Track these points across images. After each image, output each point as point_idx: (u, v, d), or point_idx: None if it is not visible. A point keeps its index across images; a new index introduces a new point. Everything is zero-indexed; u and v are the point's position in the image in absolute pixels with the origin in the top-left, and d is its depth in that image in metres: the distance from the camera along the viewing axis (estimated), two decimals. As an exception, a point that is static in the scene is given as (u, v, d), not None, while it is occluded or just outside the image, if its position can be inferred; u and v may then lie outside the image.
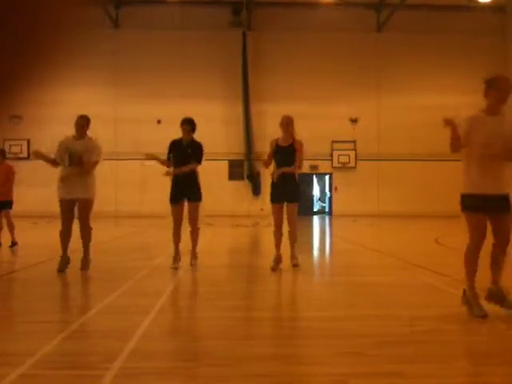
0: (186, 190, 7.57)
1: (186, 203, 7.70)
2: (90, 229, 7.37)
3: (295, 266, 7.57)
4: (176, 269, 7.51)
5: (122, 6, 27.30)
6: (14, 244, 10.50)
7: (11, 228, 10.59)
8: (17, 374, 3.13)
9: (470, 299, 4.72)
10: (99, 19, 25.25)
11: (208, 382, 3.14)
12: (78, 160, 7.15)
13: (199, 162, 7.68)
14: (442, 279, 6.76)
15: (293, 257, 7.66)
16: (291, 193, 7.51)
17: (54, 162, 7.45)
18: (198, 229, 7.77)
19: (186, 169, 7.56)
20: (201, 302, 5.76)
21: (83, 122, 7.40)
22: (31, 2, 0.56)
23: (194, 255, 7.81)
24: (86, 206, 7.25)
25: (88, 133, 7.52)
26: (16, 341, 4.10)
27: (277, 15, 27.29)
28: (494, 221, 4.72)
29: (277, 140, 7.68)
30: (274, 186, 7.61)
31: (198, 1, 26.91)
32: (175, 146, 7.70)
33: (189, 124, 7.70)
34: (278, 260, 7.54)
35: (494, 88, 4.70)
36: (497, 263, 4.78)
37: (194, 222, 7.68)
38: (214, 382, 3.13)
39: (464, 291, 4.81)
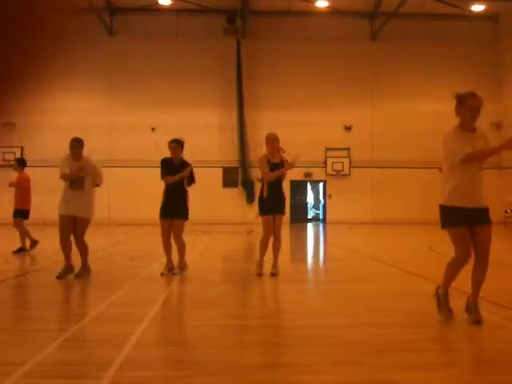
0: (174, 208, 7.86)
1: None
2: (86, 245, 7.64)
3: (273, 274, 7.73)
4: (162, 275, 7.66)
5: (116, 14, 27.33)
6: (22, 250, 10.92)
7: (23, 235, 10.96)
8: (8, 384, 3.08)
9: (440, 298, 4.93)
10: (94, 27, 25.26)
11: (202, 391, 3.11)
12: (79, 183, 7.45)
13: (193, 182, 8.01)
14: (435, 287, 6.74)
15: (274, 266, 7.87)
16: (280, 206, 7.92)
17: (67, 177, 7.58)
18: (183, 243, 7.98)
19: (180, 175, 7.84)
20: (194, 310, 5.73)
21: (76, 145, 7.60)
22: (27, 11, 0.56)
23: (182, 267, 7.95)
24: (84, 224, 7.55)
25: (83, 152, 7.72)
26: (7, 350, 4.06)
27: (271, 23, 27.39)
28: (474, 234, 4.78)
29: (266, 157, 7.93)
30: (263, 199, 7.92)
31: (193, 9, 26.96)
32: (167, 164, 7.91)
33: (177, 142, 7.94)
34: (261, 265, 7.85)
35: (466, 105, 4.76)
36: (478, 282, 4.80)
37: (178, 238, 7.93)
38: (208, 391, 3.10)
39: (437, 288, 5.02)
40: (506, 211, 24.78)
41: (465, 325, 4.67)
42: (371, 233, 20.30)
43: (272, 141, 7.85)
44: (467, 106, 4.74)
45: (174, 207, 7.84)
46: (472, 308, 4.74)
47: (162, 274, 7.70)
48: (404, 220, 26.21)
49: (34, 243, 11.08)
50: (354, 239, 17.43)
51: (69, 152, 7.67)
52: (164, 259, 8.10)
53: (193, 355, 3.86)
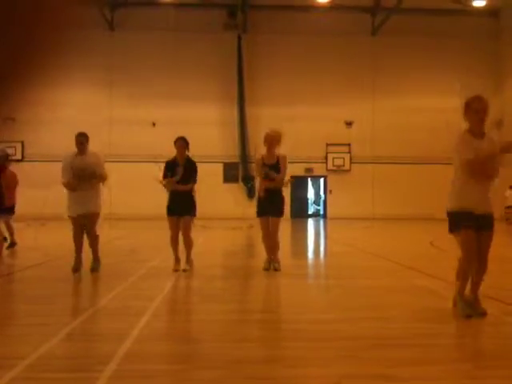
0: (182, 205, 7.84)
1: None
2: (97, 236, 7.77)
3: (277, 269, 7.83)
4: (177, 271, 7.66)
5: (117, 8, 27.28)
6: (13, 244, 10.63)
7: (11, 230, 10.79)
8: (9, 378, 3.11)
9: (459, 304, 4.87)
10: (95, 21, 25.21)
11: (202, 385, 3.13)
12: (85, 177, 7.45)
13: (195, 181, 7.99)
14: (436, 282, 6.77)
15: (275, 261, 7.95)
16: (277, 208, 7.87)
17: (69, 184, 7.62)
18: (191, 240, 8.00)
19: (183, 188, 7.83)
20: (195, 305, 5.75)
21: (82, 139, 7.60)
22: (29, 4, 0.56)
23: (188, 262, 7.96)
24: (94, 218, 7.68)
25: (89, 148, 7.74)
26: (9, 344, 4.08)
27: (272, 18, 27.33)
28: (478, 238, 4.83)
29: (262, 157, 7.87)
30: (260, 200, 7.93)
31: (194, 3, 26.91)
32: (171, 166, 7.90)
33: (184, 140, 7.93)
34: (270, 261, 7.94)
35: (472, 109, 4.80)
36: (477, 281, 4.86)
37: (186, 234, 7.93)
38: (208, 385, 3.12)
39: (454, 298, 4.97)
40: (507, 207, 24.74)
41: (465, 320, 4.69)
42: (371, 228, 20.32)
43: (270, 142, 7.75)
44: (473, 109, 4.79)
45: (182, 204, 7.83)
46: (472, 303, 4.80)
47: (177, 270, 7.70)
48: (405, 215, 26.23)
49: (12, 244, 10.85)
50: (355, 234, 17.44)
51: (72, 150, 7.67)
52: (167, 254, 8.09)
53: (193, 349, 3.88)
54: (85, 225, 7.62)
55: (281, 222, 8.00)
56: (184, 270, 7.73)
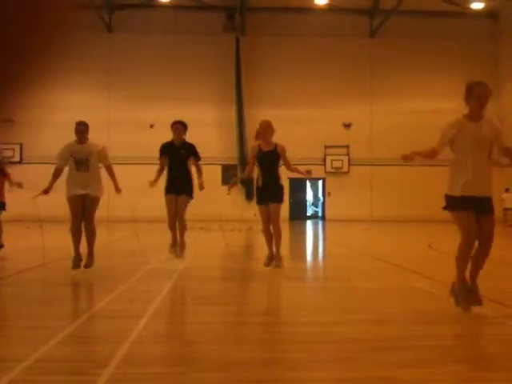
0: (179, 184, 7.94)
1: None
2: (95, 228, 7.68)
3: (277, 266, 7.68)
4: (174, 253, 7.71)
5: (115, 11, 27.29)
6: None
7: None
8: (7, 380, 3.09)
9: (457, 291, 4.89)
10: (93, 23, 25.21)
11: (200, 388, 3.12)
12: (85, 165, 7.47)
13: (199, 158, 8.08)
14: (435, 284, 6.76)
15: (277, 258, 7.79)
16: (275, 194, 7.76)
17: (58, 172, 7.71)
18: (185, 222, 7.97)
19: (202, 184, 8.09)
20: (193, 307, 5.74)
21: (82, 128, 7.62)
22: (28, 5, 0.56)
23: (181, 244, 7.96)
24: (94, 202, 7.56)
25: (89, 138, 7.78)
26: (7, 346, 4.07)
27: (270, 20, 27.37)
28: (479, 222, 4.82)
29: (259, 145, 7.79)
30: (259, 188, 7.87)
31: (192, 5, 26.93)
32: (168, 148, 7.91)
33: (181, 123, 7.93)
34: (270, 257, 7.80)
35: (473, 94, 4.83)
36: (477, 264, 4.86)
37: (181, 216, 7.90)
38: (207, 388, 3.11)
39: (453, 283, 4.96)
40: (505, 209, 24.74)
41: (464, 322, 4.68)
42: (370, 230, 20.32)
43: (264, 130, 7.73)
44: (475, 94, 4.81)
45: (180, 184, 7.87)
46: (471, 290, 4.81)
47: (175, 254, 7.80)
48: (403, 217, 26.23)
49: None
50: (353, 236, 17.44)
51: (71, 140, 7.68)
52: (166, 256, 8.10)
53: (192, 352, 3.87)
54: (83, 211, 7.49)
55: (280, 208, 7.85)
56: (175, 252, 7.79)
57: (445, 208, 5.02)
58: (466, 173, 4.82)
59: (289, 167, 7.82)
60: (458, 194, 4.84)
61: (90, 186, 7.46)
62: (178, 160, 7.89)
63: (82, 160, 7.46)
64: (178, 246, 7.93)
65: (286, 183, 28.56)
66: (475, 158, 4.82)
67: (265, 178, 7.69)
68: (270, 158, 7.66)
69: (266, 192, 7.69)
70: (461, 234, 4.86)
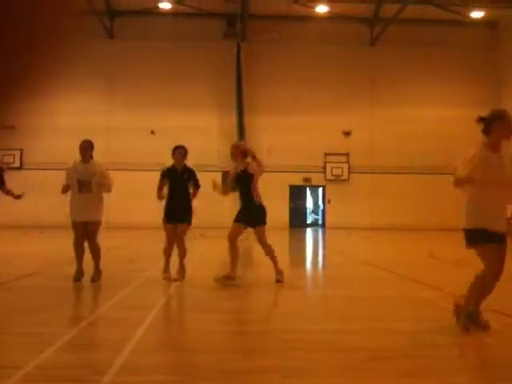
0: (179, 212, 7.92)
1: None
2: (99, 247, 7.77)
3: (277, 281, 7.58)
4: (167, 279, 7.64)
5: (116, 17, 27.38)
6: None
7: None
8: (6, 388, 3.08)
9: (465, 317, 4.64)
10: (94, 29, 25.28)
11: (200, 396, 3.10)
12: (88, 187, 7.60)
13: (199, 186, 8.13)
14: (435, 293, 6.75)
15: (277, 272, 7.71)
16: (253, 217, 7.76)
17: (66, 189, 7.78)
18: (185, 248, 8.04)
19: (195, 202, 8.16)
20: (193, 315, 5.72)
21: (86, 145, 7.77)
22: (29, 11, 0.55)
23: (181, 269, 7.92)
24: (96, 227, 7.73)
25: (94, 157, 7.89)
26: (6, 353, 4.05)
27: (271, 27, 27.42)
28: None
29: (234, 167, 7.98)
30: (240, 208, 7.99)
31: (193, 12, 26.99)
32: (170, 173, 8.00)
33: (183, 148, 8.06)
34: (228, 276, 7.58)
35: (504, 122, 4.62)
36: (486, 289, 4.72)
37: (181, 243, 7.98)
38: (206, 396, 3.09)
39: (456, 305, 4.78)
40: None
41: (466, 331, 4.66)
42: (370, 238, 20.30)
43: (232, 153, 7.86)
44: (506, 122, 4.61)
45: (180, 211, 7.90)
46: (478, 316, 4.63)
47: (168, 278, 7.69)
48: (403, 225, 26.19)
49: None
50: (353, 245, 17.42)
51: (76, 158, 7.79)
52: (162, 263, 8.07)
53: (191, 360, 3.86)
54: (86, 233, 7.65)
55: (263, 230, 7.83)
56: (175, 280, 7.70)
57: (471, 243, 4.73)
58: (491, 205, 4.62)
59: (259, 167, 7.72)
60: (488, 226, 4.60)
61: (91, 211, 7.59)
62: (180, 186, 7.98)
63: (85, 182, 7.60)
64: (178, 272, 7.89)
65: (285, 190, 28.55)
66: (497, 191, 4.65)
67: (241, 198, 7.89)
68: (241, 179, 7.75)
69: (243, 213, 7.79)
70: (490, 266, 4.63)
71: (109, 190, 7.82)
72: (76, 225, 7.64)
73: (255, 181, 7.76)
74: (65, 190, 7.71)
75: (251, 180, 7.72)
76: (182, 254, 7.96)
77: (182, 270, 7.93)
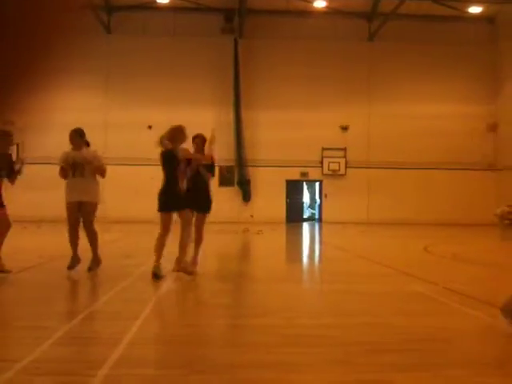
0: (200, 202, 8.06)
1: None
2: (96, 233, 7.78)
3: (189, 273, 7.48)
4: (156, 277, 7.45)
5: (114, 12, 27.28)
6: None
7: None
8: (2, 380, 3.09)
9: None
10: (91, 25, 25.17)
11: (196, 390, 3.12)
12: (81, 171, 7.67)
13: (213, 175, 8.43)
14: (430, 287, 6.77)
15: (192, 262, 7.83)
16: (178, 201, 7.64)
17: (64, 172, 7.85)
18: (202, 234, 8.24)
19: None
20: (189, 309, 5.74)
21: (74, 134, 7.85)
22: (30, 7, 0.56)
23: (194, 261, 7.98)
24: (90, 209, 7.72)
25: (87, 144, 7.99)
26: (2, 346, 4.06)
27: (268, 23, 27.37)
28: None
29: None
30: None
31: (191, 7, 26.92)
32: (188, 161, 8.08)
33: (203, 138, 8.28)
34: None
35: None
36: None
37: (199, 230, 8.20)
38: (202, 390, 3.11)
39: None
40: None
41: (466, 326, 4.68)
42: (367, 233, 20.33)
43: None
44: None
45: (200, 200, 7.98)
46: None
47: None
48: (399, 220, 26.26)
49: None
50: (350, 239, 17.45)
51: (68, 148, 7.86)
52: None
53: (186, 354, 3.87)
54: (81, 217, 7.66)
55: (182, 215, 7.51)
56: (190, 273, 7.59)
57: None
58: None
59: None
60: None
61: (85, 193, 7.63)
62: (196, 173, 8.01)
63: (78, 165, 7.65)
64: (190, 264, 7.80)
65: (282, 185, 28.61)
66: None
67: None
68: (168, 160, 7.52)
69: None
70: None
71: (103, 173, 7.82)
72: (69, 205, 7.64)
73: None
74: (63, 172, 7.72)
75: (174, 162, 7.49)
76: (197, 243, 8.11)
77: (195, 261, 8.01)
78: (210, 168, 8.20)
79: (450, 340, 4.33)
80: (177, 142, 7.49)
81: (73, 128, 8.00)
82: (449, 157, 27.24)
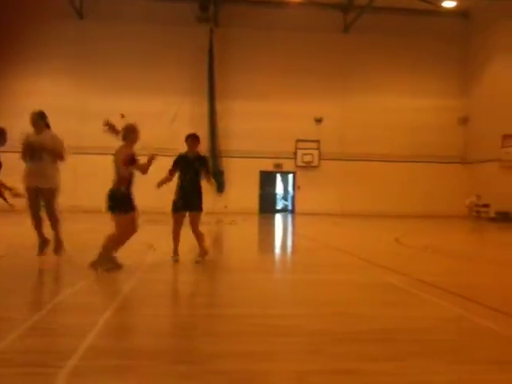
0: (192, 202, 8.20)
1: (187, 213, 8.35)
2: (57, 217, 7.79)
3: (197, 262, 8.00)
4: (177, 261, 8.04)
5: (86, -3, 26.82)
6: None
7: None
8: (-34, 372, 3.01)
9: None
10: (63, 9, 24.72)
11: (168, 380, 3.08)
12: (39, 155, 7.62)
13: (210, 173, 8.48)
14: (401, 278, 6.84)
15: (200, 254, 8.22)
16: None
17: (24, 155, 7.84)
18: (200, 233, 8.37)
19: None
20: (161, 300, 5.68)
21: (36, 117, 7.81)
22: None
23: (202, 253, 8.24)
24: (50, 195, 7.68)
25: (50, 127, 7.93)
26: (-33, 337, 3.96)
27: (244, 13, 27.24)
28: None
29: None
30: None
31: (165, -5, 26.63)
32: (182, 160, 8.03)
33: (197, 138, 8.42)
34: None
35: None
36: None
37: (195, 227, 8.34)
38: (174, 380, 3.07)
39: None
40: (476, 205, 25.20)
41: (435, 316, 4.73)
42: (339, 224, 20.47)
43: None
44: None
45: (192, 199, 8.10)
46: None
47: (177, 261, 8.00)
48: (373, 212, 26.52)
49: None
50: (322, 230, 17.54)
51: (29, 130, 7.81)
52: (132, 249, 8.01)
53: (159, 344, 3.82)
54: (41, 201, 7.63)
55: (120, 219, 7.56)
56: (197, 262, 7.94)
57: None
58: None
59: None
60: None
61: (42, 178, 7.57)
62: (192, 173, 8.10)
63: (36, 150, 7.60)
64: (200, 255, 8.04)
65: (256, 176, 28.49)
66: None
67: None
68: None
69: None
70: None
71: (61, 157, 7.74)
72: (28, 191, 7.60)
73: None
74: (23, 155, 7.68)
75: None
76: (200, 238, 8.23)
77: (203, 252, 8.15)
78: (202, 162, 8.17)
79: (419, 330, 4.37)
80: (129, 141, 7.18)
81: (33, 111, 7.93)
82: (422, 150, 27.58)
